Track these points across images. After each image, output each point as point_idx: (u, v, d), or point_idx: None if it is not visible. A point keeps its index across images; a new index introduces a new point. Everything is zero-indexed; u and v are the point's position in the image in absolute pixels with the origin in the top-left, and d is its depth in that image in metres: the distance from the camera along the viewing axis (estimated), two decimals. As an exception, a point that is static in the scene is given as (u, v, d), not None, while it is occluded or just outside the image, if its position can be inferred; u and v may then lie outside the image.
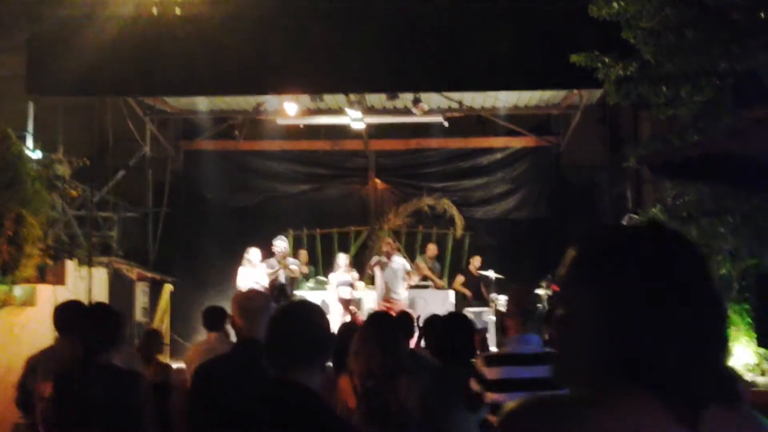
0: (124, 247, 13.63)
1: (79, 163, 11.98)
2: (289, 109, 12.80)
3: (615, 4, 8.45)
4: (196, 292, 13.53)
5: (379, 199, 15.29)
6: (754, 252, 10.25)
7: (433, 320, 5.21)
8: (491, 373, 3.97)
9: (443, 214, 14.90)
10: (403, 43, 11.64)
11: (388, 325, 4.18)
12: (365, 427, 4.02)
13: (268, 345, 2.65)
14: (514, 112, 14.51)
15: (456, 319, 5.04)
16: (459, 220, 14.79)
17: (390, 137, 15.06)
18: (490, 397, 3.93)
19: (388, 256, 12.13)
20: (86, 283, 11.82)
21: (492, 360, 4.09)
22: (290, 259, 12.40)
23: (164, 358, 9.82)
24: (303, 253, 13.90)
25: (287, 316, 2.75)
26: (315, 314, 2.74)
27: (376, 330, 4.04)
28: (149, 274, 13.50)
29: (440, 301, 12.22)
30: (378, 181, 15.33)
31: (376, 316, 4.49)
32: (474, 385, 3.97)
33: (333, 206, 15.13)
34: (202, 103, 14.03)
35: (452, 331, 4.58)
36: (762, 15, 7.56)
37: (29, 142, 12.49)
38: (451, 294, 12.90)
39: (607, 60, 8.86)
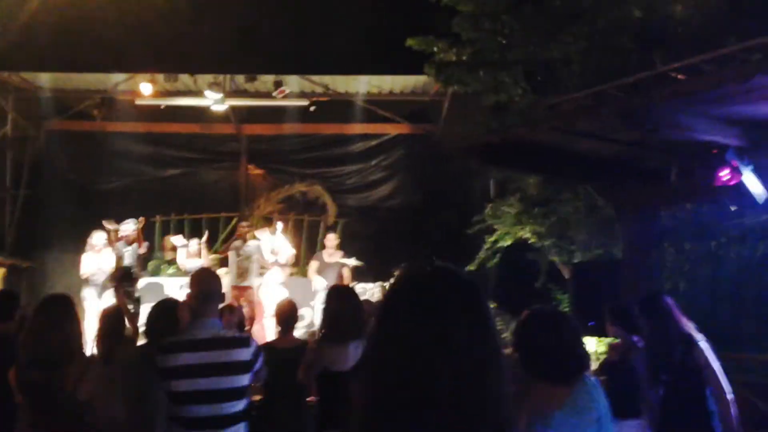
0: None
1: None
2: (144, 89, 12.34)
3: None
4: (55, 278, 13.01)
5: (251, 184, 14.94)
6: (601, 242, 10.37)
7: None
8: (166, 360, 3.73)
9: (316, 200, 14.64)
10: (260, 24, 11.28)
11: (58, 310, 3.91)
12: (30, 426, 3.75)
13: None
14: (388, 99, 14.30)
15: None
16: (332, 207, 14.55)
17: (263, 122, 14.68)
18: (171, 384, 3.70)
19: (242, 239, 11.81)
20: None
21: (166, 347, 3.87)
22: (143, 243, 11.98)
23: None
24: (170, 239, 13.50)
25: None
26: None
27: (42, 316, 3.79)
28: (1, 259, 12.92)
29: (301, 289, 11.88)
30: (250, 166, 14.97)
31: (45, 303, 4.18)
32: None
33: (204, 191, 14.72)
34: (61, 81, 13.43)
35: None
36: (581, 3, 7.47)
37: None
38: (318, 281, 12.54)
39: (440, 45, 8.69)
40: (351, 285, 12.17)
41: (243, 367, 3.79)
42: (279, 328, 5.79)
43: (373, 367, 1.39)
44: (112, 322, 6.10)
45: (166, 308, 4.63)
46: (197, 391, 3.65)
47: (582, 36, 7.18)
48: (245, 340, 3.93)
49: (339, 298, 4.87)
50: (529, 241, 11.48)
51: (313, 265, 11.78)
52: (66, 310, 3.93)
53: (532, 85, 7.39)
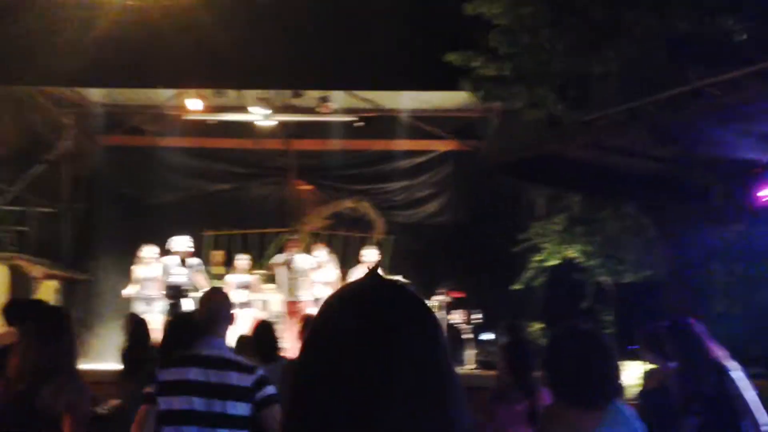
0: (36, 244, 13.40)
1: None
2: (193, 104, 12.52)
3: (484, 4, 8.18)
4: (107, 290, 13.27)
5: (299, 200, 15.01)
6: (652, 262, 10.13)
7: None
8: (164, 374, 3.73)
9: (363, 217, 14.63)
10: (305, 40, 11.34)
11: (49, 324, 3.91)
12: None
13: None
14: (436, 115, 14.23)
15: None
16: (379, 224, 14.51)
17: (311, 137, 14.74)
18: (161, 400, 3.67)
19: (290, 253, 11.83)
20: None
21: (168, 361, 3.87)
22: (194, 260, 12.12)
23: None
24: (218, 254, 13.65)
25: None
26: None
27: (32, 329, 3.81)
28: (57, 272, 13.20)
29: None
30: (298, 182, 15.04)
31: (37, 317, 4.17)
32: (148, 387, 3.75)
33: (253, 206, 14.83)
34: (113, 97, 13.74)
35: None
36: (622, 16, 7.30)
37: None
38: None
39: (479, 60, 8.59)
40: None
41: (239, 393, 3.63)
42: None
43: (298, 391, 1.24)
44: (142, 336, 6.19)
45: (182, 322, 4.64)
46: (190, 411, 3.57)
47: (622, 49, 7.00)
48: (248, 367, 3.77)
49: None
50: (576, 261, 11.27)
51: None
52: (56, 324, 3.91)
53: (566, 101, 7.22)
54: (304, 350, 1.28)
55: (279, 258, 12.32)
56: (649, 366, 5.92)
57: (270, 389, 3.72)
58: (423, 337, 1.24)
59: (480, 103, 8.88)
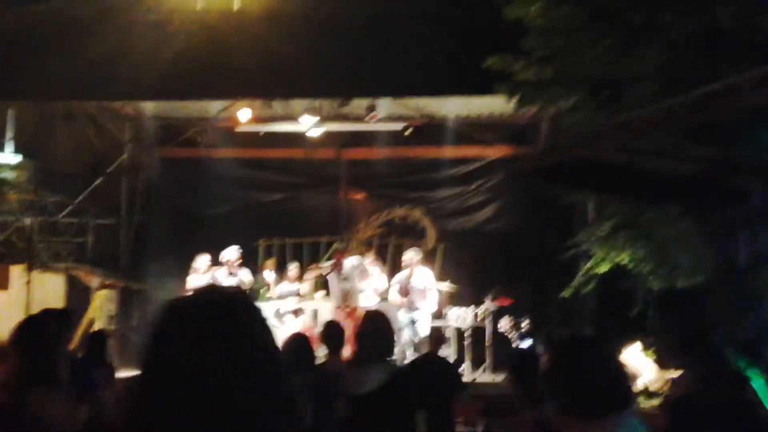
0: (95, 255, 13.78)
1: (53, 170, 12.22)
2: (242, 115, 12.69)
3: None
4: (165, 300, 13.48)
5: (351, 209, 15.04)
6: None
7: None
8: None
9: (415, 225, 14.58)
10: (351, 48, 11.36)
11: (40, 329, 3.89)
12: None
13: None
14: (487, 122, 14.12)
15: None
16: (432, 232, 14.44)
17: (362, 146, 14.78)
18: None
19: (338, 264, 11.86)
20: (42, 288, 11.96)
21: None
22: (242, 270, 12.26)
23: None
24: (270, 263, 13.78)
25: None
26: None
27: (19, 336, 3.79)
28: (113, 281, 13.52)
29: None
30: (350, 190, 15.09)
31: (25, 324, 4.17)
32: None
33: (305, 216, 14.91)
34: (165, 110, 14.02)
35: None
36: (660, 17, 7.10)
37: (9, 147, 12.77)
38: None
39: (520, 64, 8.47)
40: (444, 310, 12.03)
41: None
42: (327, 350, 5.74)
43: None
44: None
45: None
46: None
47: (659, 50, 6.80)
48: None
49: (366, 321, 4.77)
50: (627, 267, 11.01)
51: (394, 288, 11.66)
52: (42, 331, 3.83)
53: (597, 103, 7.05)
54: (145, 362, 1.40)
55: (326, 265, 12.39)
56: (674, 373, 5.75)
57: None
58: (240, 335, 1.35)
59: (517, 108, 8.69)
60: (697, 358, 4.48)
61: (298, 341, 6.88)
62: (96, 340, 7.59)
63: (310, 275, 12.71)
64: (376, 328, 4.62)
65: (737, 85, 5.19)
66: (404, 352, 10.89)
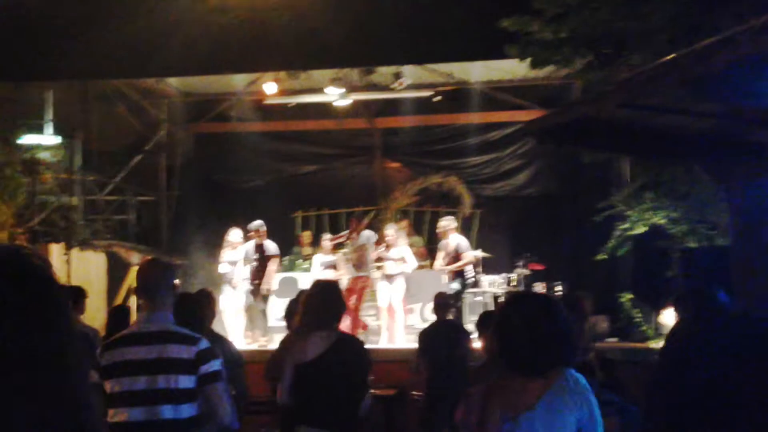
0: (136, 232, 14.05)
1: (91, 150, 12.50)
2: (269, 88, 12.71)
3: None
4: (201, 274, 13.70)
5: (386, 178, 15.02)
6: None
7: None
8: (105, 357, 3.64)
9: (451, 192, 14.49)
10: (376, 17, 11.24)
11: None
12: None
13: None
14: (519, 85, 13.89)
15: None
16: (467, 198, 14.35)
17: (394, 115, 14.68)
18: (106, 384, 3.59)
19: (353, 232, 11.75)
20: (84, 265, 12.25)
21: (106, 344, 3.79)
22: (269, 243, 12.28)
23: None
24: (306, 235, 13.86)
25: None
26: None
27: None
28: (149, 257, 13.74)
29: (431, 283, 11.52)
30: (385, 160, 15.05)
31: None
32: (92, 375, 3.52)
33: (341, 186, 14.94)
34: (196, 86, 14.14)
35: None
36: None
37: (49, 128, 13.06)
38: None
39: (536, 24, 8.28)
40: (475, 277, 11.89)
41: (181, 365, 3.52)
42: None
43: None
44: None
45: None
46: (135, 390, 3.51)
47: (663, 6, 6.57)
48: (190, 338, 3.62)
49: (313, 291, 4.75)
50: (664, 228, 10.80)
51: (440, 255, 11.52)
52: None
53: (600, 60, 6.85)
54: None
55: (343, 234, 12.46)
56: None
57: (215, 364, 3.63)
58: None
59: (531, 68, 8.50)
60: (691, 307, 4.38)
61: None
62: (118, 313, 7.79)
63: (329, 245, 12.60)
64: (323, 298, 4.59)
65: (736, 35, 5.00)
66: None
